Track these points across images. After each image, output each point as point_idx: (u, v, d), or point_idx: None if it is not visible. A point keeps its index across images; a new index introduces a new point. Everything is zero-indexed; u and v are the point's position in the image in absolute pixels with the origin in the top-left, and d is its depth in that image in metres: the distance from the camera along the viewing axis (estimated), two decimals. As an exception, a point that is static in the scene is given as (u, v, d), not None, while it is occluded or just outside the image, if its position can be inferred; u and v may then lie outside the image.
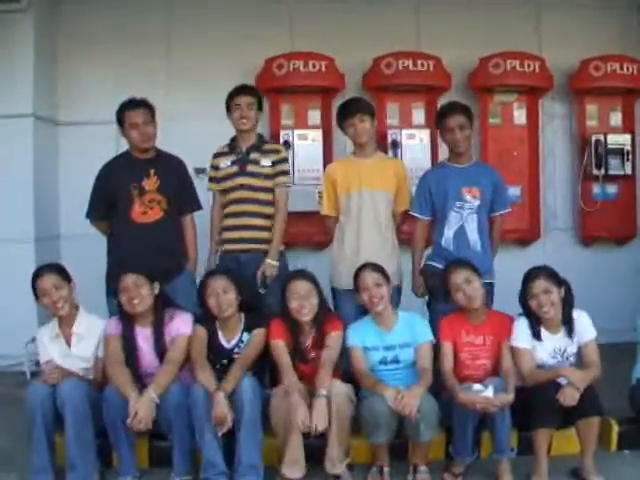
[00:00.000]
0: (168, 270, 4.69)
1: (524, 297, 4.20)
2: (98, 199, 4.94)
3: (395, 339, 4.26)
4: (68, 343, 4.28)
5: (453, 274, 4.30)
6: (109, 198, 4.87)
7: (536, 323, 4.19)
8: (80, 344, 4.27)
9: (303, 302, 4.20)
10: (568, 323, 4.18)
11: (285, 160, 5.11)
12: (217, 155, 5.11)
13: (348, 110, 4.91)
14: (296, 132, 6.62)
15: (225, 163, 5.04)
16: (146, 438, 4.28)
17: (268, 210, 4.99)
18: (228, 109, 5.03)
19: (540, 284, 4.12)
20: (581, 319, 4.21)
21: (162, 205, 4.84)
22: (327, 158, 6.47)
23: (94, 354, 4.28)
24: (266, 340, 4.27)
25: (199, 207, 5.09)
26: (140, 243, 4.72)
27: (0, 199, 6.30)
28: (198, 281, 4.52)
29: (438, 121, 4.96)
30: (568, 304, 4.20)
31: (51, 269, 4.30)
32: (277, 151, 5.09)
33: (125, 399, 3.90)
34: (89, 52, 6.81)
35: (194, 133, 6.37)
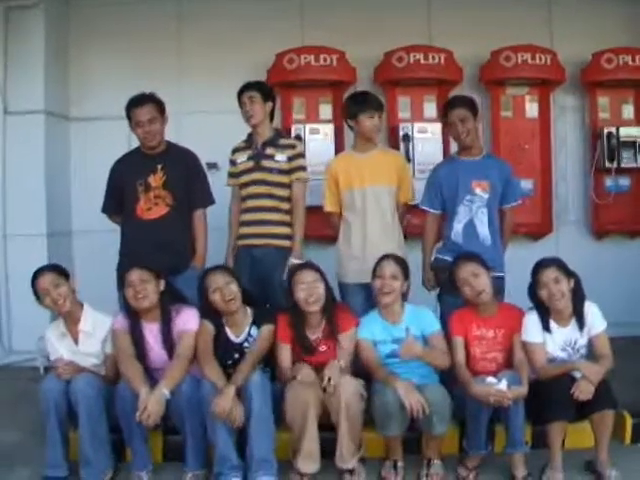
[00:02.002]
0: (171, 266, 4.66)
1: (534, 288, 4.18)
2: (110, 194, 4.99)
3: (402, 332, 4.23)
4: (75, 341, 4.28)
5: (460, 268, 4.28)
6: (119, 194, 4.91)
7: (546, 315, 4.18)
8: (87, 341, 4.27)
9: (310, 291, 4.19)
10: (579, 316, 4.16)
11: (301, 155, 5.08)
12: (235, 150, 5.12)
13: (370, 102, 4.91)
14: (307, 126, 6.61)
15: (242, 158, 5.04)
16: (160, 432, 4.29)
17: (285, 205, 4.98)
18: (239, 105, 5.04)
19: (550, 273, 4.10)
20: (591, 311, 4.18)
21: (167, 201, 4.83)
22: (339, 152, 6.45)
23: (102, 351, 4.28)
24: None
25: (211, 202, 5.06)
26: (143, 240, 4.75)
27: (12, 195, 6.35)
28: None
29: (442, 117, 4.98)
30: (578, 296, 4.18)
31: (47, 268, 4.30)
32: (293, 146, 5.06)
33: (138, 393, 3.91)
34: (100, 48, 6.83)
35: (205, 128, 6.39)
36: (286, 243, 4.93)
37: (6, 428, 4.75)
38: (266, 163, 4.95)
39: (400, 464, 4.12)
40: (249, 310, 4.36)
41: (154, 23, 6.85)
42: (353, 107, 4.94)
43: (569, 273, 4.15)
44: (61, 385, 4.00)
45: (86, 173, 6.59)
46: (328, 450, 4.00)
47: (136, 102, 4.83)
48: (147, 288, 4.19)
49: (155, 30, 6.84)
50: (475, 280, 4.21)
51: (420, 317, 4.31)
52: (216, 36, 6.79)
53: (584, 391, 3.83)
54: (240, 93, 5.00)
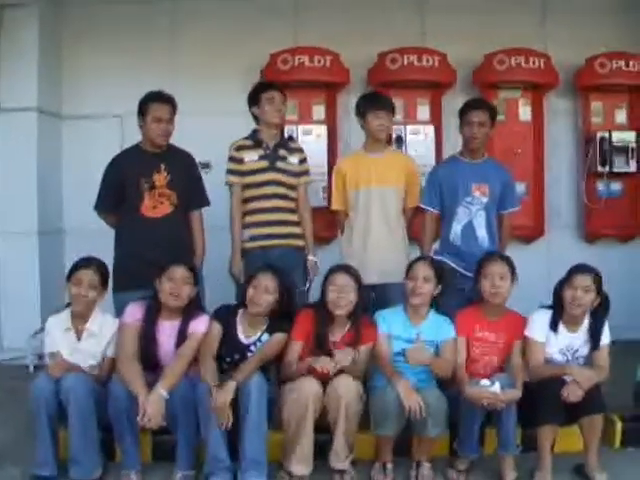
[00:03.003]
0: None
1: (562, 285, 4.17)
2: (108, 192, 4.91)
3: (420, 334, 4.25)
4: (78, 337, 4.24)
5: (493, 263, 4.26)
6: (118, 191, 4.85)
7: (558, 315, 4.18)
8: (90, 340, 4.23)
9: (341, 294, 4.17)
10: (594, 333, 4.18)
11: (306, 160, 5.13)
12: (240, 148, 4.99)
13: (381, 102, 4.95)
14: (300, 127, 6.62)
15: (251, 157, 4.96)
16: (149, 432, 4.27)
17: (294, 206, 5.02)
18: (254, 102, 4.99)
19: (584, 280, 4.09)
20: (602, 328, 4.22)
21: (172, 200, 4.83)
22: (331, 153, 6.48)
23: (103, 353, 4.25)
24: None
25: (207, 203, 5.07)
26: (149, 238, 4.73)
27: (4, 192, 6.33)
28: (205, 277, 4.51)
29: (461, 113, 4.96)
30: (599, 316, 4.20)
31: (95, 266, 4.26)
32: (301, 150, 5.12)
33: (130, 393, 3.89)
34: (93, 46, 6.82)
35: (198, 128, 6.36)
36: (302, 243, 5.01)
37: (-5, 426, 4.74)
38: (281, 164, 4.94)
39: (389, 466, 4.11)
40: (267, 319, 4.30)
41: (147, 22, 6.85)
42: (362, 106, 4.98)
43: (600, 290, 4.15)
44: (51, 383, 3.96)
45: (78, 171, 6.57)
46: (318, 451, 3.99)
47: (159, 98, 4.82)
48: (184, 289, 4.18)
49: (148, 29, 6.84)
50: (499, 281, 4.21)
51: (439, 325, 4.31)
52: (209, 36, 6.80)
53: (573, 393, 3.84)
54: (265, 90, 4.96)
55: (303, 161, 5.07)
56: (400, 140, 6.62)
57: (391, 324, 4.28)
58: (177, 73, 6.75)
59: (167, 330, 4.23)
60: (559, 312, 4.18)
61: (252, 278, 4.24)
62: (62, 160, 6.87)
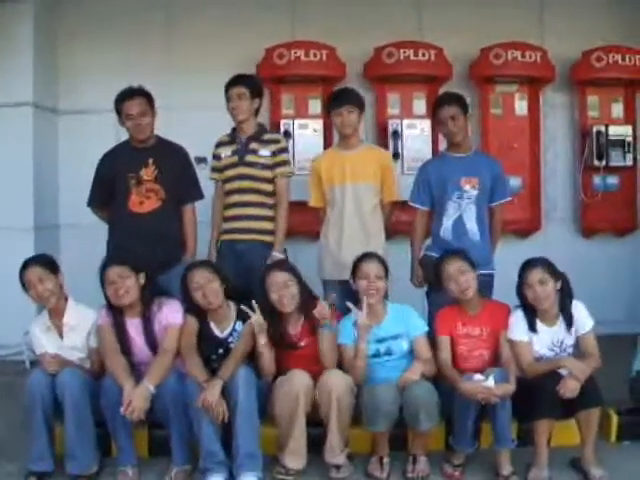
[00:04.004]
0: (164, 260, 4.69)
1: (521, 287, 4.18)
2: (99, 187, 4.96)
3: (386, 331, 4.23)
4: (60, 334, 4.24)
5: (447, 264, 4.27)
6: (109, 187, 4.87)
7: (532, 315, 4.17)
8: (71, 335, 4.23)
9: (282, 292, 4.17)
10: (566, 316, 4.16)
11: (285, 150, 5.08)
12: (218, 145, 5.09)
13: (338, 99, 4.94)
14: (297, 122, 6.62)
15: (226, 153, 5.02)
16: (145, 428, 4.27)
17: (270, 200, 4.98)
18: (226, 98, 5.00)
19: (536, 274, 4.08)
20: (578, 310, 4.17)
21: (159, 195, 4.83)
22: (328, 148, 6.45)
23: (87, 344, 4.25)
24: None
25: (201, 196, 5.07)
26: (136, 233, 4.73)
27: (0, 188, 6.29)
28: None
29: (433, 115, 4.98)
30: (566, 297, 4.17)
31: (37, 261, 4.24)
32: (277, 141, 5.06)
33: (122, 388, 3.90)
34: (89, 41, 6.81)
35: (194, 123, 6.37)
36: (271, 239, 4.94)
37: (-9, 422, 4.73)
38: (250, 158, 4.94)
39: (386, 460, 4.10)
40: (232, 305, 4.31)
41: (142, 17, 6.83)
42: (328, 103, 5.03)
43: (556, 273, 4.14)
44: (47, 379, 3.97)
45: (74, 166, 6.54)
46: (314, 445, 4.00)
47: (126, 95, 4.82)
48: (127, 284, 4.14)
49: (143, 24, 6.82)
50: (461, 277, 4.20)
51: (405, 317, 4.29)
52: (205, 31, 6.79)
53: (570, 389, 3.83)
54: (228, 86, 4.97)
55: (280, 152, 5.00)
56: (396, 134, 6.62)
57: (351, 333, 4.21)
58: (173, 68, 6.76)
59: (136, 327, 4.23)
60: (532, 312, 4.17)
61: (188, 284, 4.22)
62: (58, 155, 6.86)
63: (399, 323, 4.26)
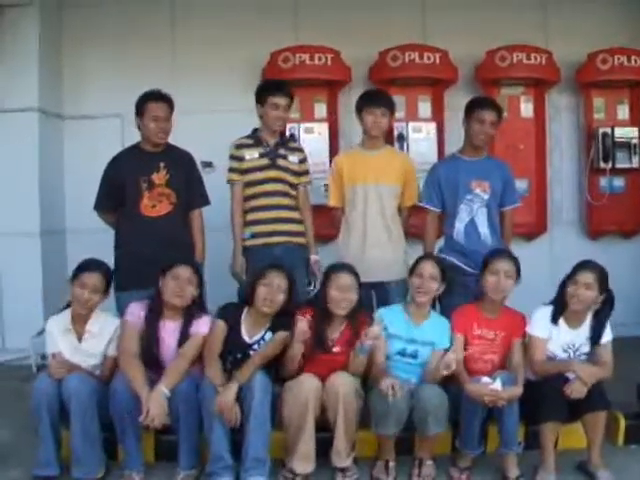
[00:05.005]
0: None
1: (566, 281, 4.16)
2: (107, 191, 4.92)
3: (420, 335, 4.25)
4: (79, 338, 4.23)
5: (499, 260, 4.26)
6: (118, 191, 4.84)
7: (560, 310, 4.17)
8: (91, 341, 4.23)
9: (345, 295, 4.17)
10: (595, 330, 4.17)
11: (306, 159, 5.14)
12: (240, 146, 4.99)
13: (374, 100, 4.90)
14: (302, 125, 6.61)
15: (251, 155, 4.95)
16: (152, 432, 4.26)
17: (295, 204, 5.02)
18: (260, 101, 4.94)
19: (588, 277, 4.08)
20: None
21: (171, 199, 4.83)
22: (333, 151, 6.46)
23: (104, 352, 4.25)
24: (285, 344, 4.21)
25: (207, 202, 5.06)
26: (149, 237, 4.73)
27: (6, 193, 6.32)
28: (205, 276, 4.50)
29: (469, 109, 4.92)
30: (602, 315, 4.18)
31: (99, 270, 4.26)
32: (301, 150, 5.13)
33: (133, 392, 3.89)
34: (95, 46, 6.83)
35: (199, 127, 6.37)
36: (304, 240, 5.03)
37: (-2, 427, 4.74)
38: (282, 162, 4.94)
39: (392, 464, 4.10)
40: (269, 317, 4.26)
41: (148, 22, 6.85)
42: (359, 102, 4.97)
43: (604, 287, 4.14)
44: (54, 383, 3.97)
45: (80, 171, 6.55)
46: (320, 450, 3.99)
47: (155, 97, 4.83)
48: (189, 289, 4.18)
49: (149, 29, 6.84)
50: (504, 279, 4.21)
51: (439, 328, 4.30)
52: (210, 35, 6.78)
53: (577, 390, 3.84)
54: (272, 93, 4.90)
55: (303, 161, 5.07)
56: (402, 137, 6.61)
57: (391, 323, 4.26)
58: (178, 73, 6.75)
59: (169, 329, 4.22)
60: (562, 307, 4.17)
61: (261, 276, 4.20)
62: (64, 160, 6.87)
63: (435, 332, 4.28)
